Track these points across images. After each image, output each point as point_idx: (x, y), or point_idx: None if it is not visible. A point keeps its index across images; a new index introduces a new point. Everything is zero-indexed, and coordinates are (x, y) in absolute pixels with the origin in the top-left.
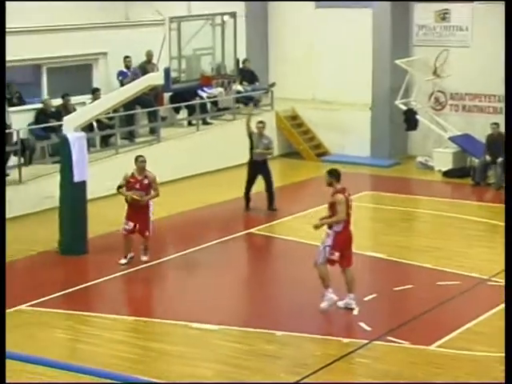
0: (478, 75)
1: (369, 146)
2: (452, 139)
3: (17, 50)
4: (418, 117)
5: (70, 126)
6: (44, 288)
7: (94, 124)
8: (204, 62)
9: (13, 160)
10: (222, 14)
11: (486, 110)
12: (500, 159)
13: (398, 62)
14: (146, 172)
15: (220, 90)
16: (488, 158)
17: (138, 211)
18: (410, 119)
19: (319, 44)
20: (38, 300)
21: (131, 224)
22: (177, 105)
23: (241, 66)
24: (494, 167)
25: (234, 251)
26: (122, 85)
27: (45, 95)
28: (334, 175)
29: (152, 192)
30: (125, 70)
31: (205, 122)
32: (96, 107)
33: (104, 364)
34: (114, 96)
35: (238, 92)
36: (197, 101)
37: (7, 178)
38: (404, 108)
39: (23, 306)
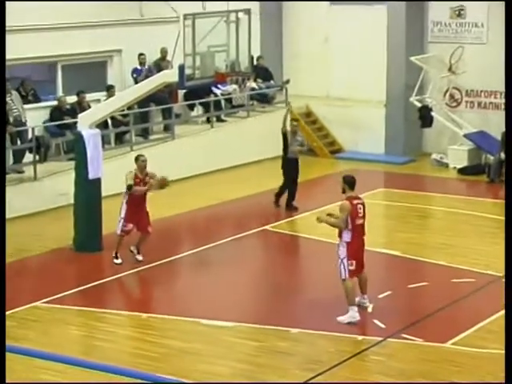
0: (494, 72)
1: (383, 143)
2: (467, 136)
3: (32, 48)
4: (433, 114)
5: (85, 123)
6: (59, 285)
7: (109, 121)
8: (218, 59)
9: (28, 157)
10: (237, 11)
11: (501, 106)
12: None
13: (412, 58)
14: (146, 171)
15: (234, 87)
16: (503, 155)
17: (138, 210)
18: (425, 116)
19: (334, 41)
20: (52, 297)
21: (130, 225)
22: (191, 102)
23: (255, 63)
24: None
25: (249, 248)
26: (137, 82)
27: (60, 92)
28: (347, 182)
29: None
30: (139, 67)
31: (219, 120)
32: (110, 104)
33: (118, 361)
34: (128, 93)
35: (253, 89)
36: (211, 98)
37: (22, 175)
38: (419, 105)
39: (38, 303)
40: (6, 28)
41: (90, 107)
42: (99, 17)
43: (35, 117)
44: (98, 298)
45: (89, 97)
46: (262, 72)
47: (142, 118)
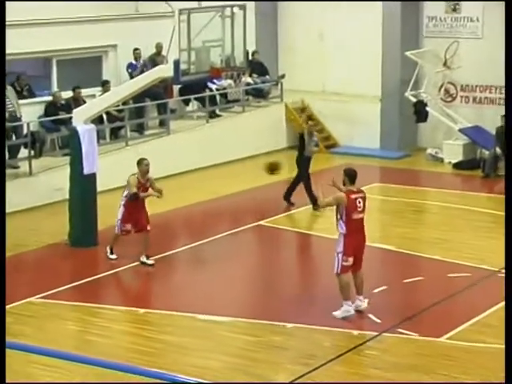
0: (489, 67)
1: (378, 138)
2: (462, 131)
3: (27, 43)
4: (428, 109)
5: (80, 119)
6: (54, 280)
7: (104, 116)
8: (213, 53)
9: (23, 152)
10: (232, 6)
11: (496, 101)
12: None
13: (408, 53)
14: (148, 175)
15: (229, 81)
16: (498, 149)
17: (135, 211)
18: (420, 111)
19: (329, 35)
20: (48, 292)
21: (129, 226)
22: (186, 97)
23: (250, 57)
24: (504, 159)
25: (244, 243)
26: (132, 77)
27: (55, 88)
28: (347, 175)
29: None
30: (134, 62)
31: (214, 115)
32: (105, 100)
33: (114, 355)
34: (123, 88)
35: (248, 84)
36: (206, 93)
37: (18, 171)
38: (414, 100)
39: (33, 298)
40: None
41: (85, 102)
42: (94, 12)
43: (30, 112)
44: (93, 293)
45: (84, 92)
46: (257, 67)
47: (138, 113)
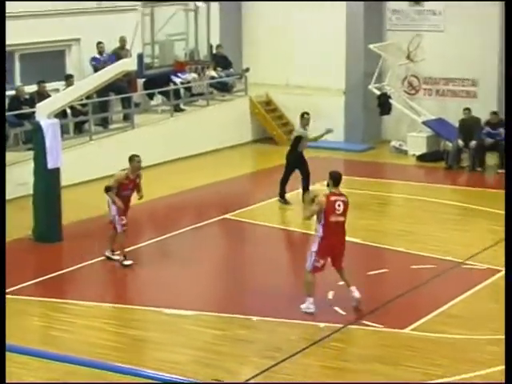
0: (452, 59)
1: (342, 131)
2: (426, 123)
3: None
4: (391, 101)
5: (44, 113)
6: (18, 275)
7: (68, 111)
8: (177, 47)
9: None
10: (196, 0)
11: (459, 94)
12: (473, 143)
13: (371, 46)
14: (139, 171)
15: (194, 75)
16: (461, 142)
17: (125, 204)
18: (384, 104)
19: (293, 29)
20: (12, 288)
21: (125, 219)
22: (151, 91)
23: (214, 51)
24: (467, 151)
25: (209, 237)
26: (96, 71)
27: (18, 82)
28: (332, 178)
29: (140, 190)
30: (98, 56)
31: (178, 109)
32: (69, 94)
33: (80, 351)
34: (87, 82)
35: (212, 78)
36: (170, 87)
37: None
38: (378, 93)
39: None
40: None
41: (49, 96)
42: (57, 6)
43: None
44: (57, 288)
45: (47, 86)
46: (221, 60)
47: (101, 108)
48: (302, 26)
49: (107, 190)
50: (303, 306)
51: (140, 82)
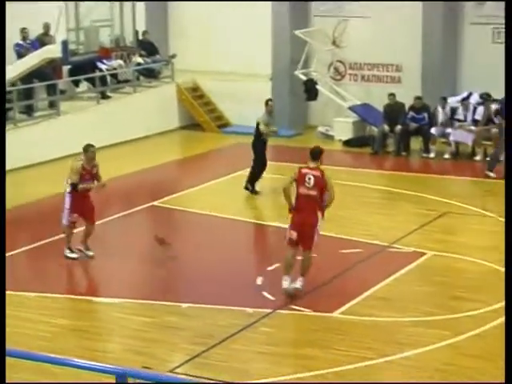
0: (376, 45)
1: None
2: (351, 109)
3: None
4: (318, 87)
5: None
6: None
7: None
8: (103, 33)
9: None
10: None
11: (384, 79)
12: (398, 127)
13: (297, 32)
14: (94, 162)
15: (119, 62)
16: (386, 127)
17: (84, 201)
18: (310, 89)
19: (219, 15)
20: None
21: (75, 215)
22: (76, 78)
23: (140, 37)
24: (392, 136)
25: (137, 224)
26: (19, 57)
27: None
28: (310, 152)
29: (99, 180)
30: (21, 42)
31: (105, 96)
32: None
33: (10, 342)
34: (11, 69)
35: (138, 64)
36: (96, 73)
37: None
38: (304, 78)
39: None
40: None
41: None
42: None
43: None
44: None
45: None
46: (147, 47)
47: (26, 95)
48: (229, 13)
49: (74, 187)
50: (284, 284)
51: (65, 68)
